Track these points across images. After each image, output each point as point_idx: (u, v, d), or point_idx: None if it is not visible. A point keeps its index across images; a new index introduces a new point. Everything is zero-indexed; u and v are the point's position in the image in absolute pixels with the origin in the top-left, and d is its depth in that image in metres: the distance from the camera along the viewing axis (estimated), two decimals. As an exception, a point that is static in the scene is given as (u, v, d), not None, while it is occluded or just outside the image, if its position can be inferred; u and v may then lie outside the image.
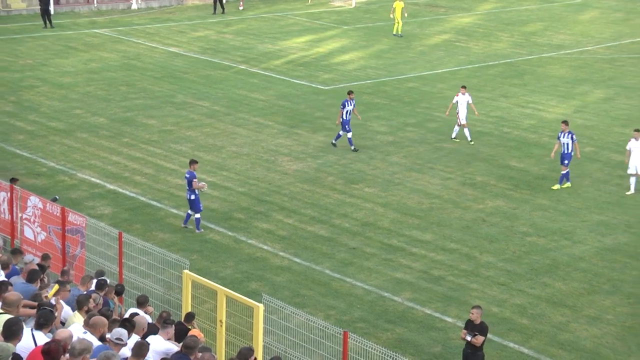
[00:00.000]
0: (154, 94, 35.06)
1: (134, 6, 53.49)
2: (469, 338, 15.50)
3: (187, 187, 22.37)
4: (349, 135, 28.80)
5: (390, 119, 32.39)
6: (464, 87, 30.13)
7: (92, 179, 26.01)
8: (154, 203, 24.36)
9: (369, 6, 56.54)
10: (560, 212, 24.35)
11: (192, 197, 22.26)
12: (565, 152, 25.83)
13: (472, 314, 15.60)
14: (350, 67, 40.15)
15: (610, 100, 35.60)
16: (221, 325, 15.46)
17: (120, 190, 25.25)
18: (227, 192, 25.20)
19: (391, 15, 47.69)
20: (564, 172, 25.89)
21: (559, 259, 21.53)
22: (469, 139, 29.63)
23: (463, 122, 29.58)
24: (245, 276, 20.32)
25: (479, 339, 15.46)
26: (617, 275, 20.83)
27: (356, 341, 14.08)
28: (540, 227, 23.30)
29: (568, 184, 25.94)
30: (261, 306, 14.79)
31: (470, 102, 29.68)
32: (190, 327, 15.07)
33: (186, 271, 16.15)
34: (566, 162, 25.82)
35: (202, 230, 22.45)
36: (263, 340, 14.98)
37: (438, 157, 28.38)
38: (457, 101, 29.61)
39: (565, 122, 26.37)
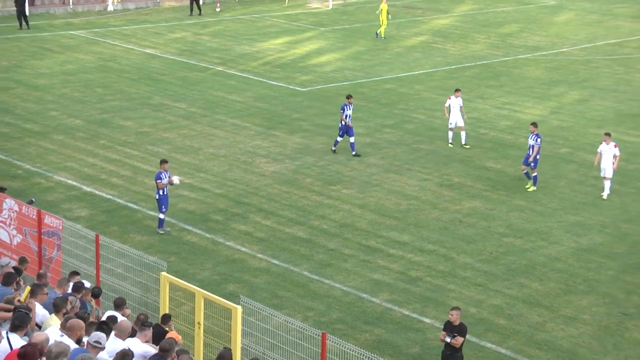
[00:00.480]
0: (130, 95, 34.93)
1: (110, 7, 53.25)
2: (448, 339, 15.54)
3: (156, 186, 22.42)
4: (352, 139, 28.46)
5: (368, 121, 32.44)
6: (458, 90, 29.72)
7: (69, 181, 25.86)
8: (131, 205, 24.27)
9: (346, 8, 56.62)
10: (537, 212, 24.51)
11: (157, 196, 22.26)
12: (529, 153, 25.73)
13: (452, 315, 15.64)
14: (328, 69, 40.19)
15: (585, 102, 35.87)
16: (199, 328, 15.42)
17: (97, 192, 25.12)
18: (204, 194, 25.14)
19: (377, 12, 47.66)
20: (535, 174, 25.88)
21: (535, 260, 21.66)
22: (450, 141, 29.57)
23: (451, 125, 29.35)
24: (223, 278, 20.29)
25: (458, 340, 15.51)
26: (592, 275, 20.98)
27: (334, 342, 14.09)
28: (516, 228, 23.43)
29: (533, 188, 25.84)
30: (239, 308, 14.77)
31: (461, 104, 29.33)
32: (167, 329, 15.01)
33: (164, 273, 16.09)
34: (532, 164, 25.74)
35: (163, 231, 22.35)
36: (241, 342, 14.95)
37: (415, 159, 28.46)
38: (449, 104, 29.32)
39: (534, 124, 26.22)
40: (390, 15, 47.50)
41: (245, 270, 20.74)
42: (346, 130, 28.38)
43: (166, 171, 22.39)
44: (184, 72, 38.81)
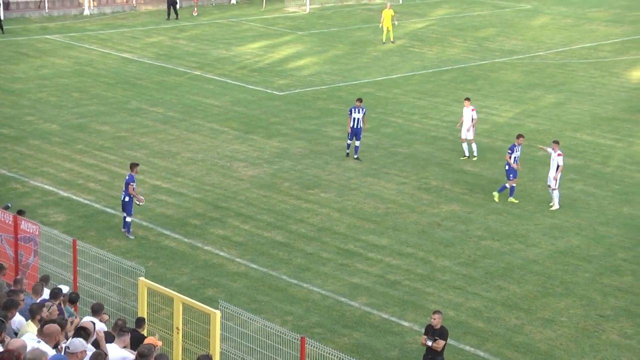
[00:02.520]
0: (107, 100, 34.76)
1: (86, 12, 53.00)
2: (429, 343, 15.57)
3: (124, 189, 22.22)
4: (357, 143, 28.32)
5: (345, 124, 32.42)
6: (467, 99, 29.10)
7: (45, 186, 25.69)
8: (109, 210, 24.14)
9: (323, 12, 56.69)
10: (514, 215, 24.62)
11: (126, 199, 22.13)
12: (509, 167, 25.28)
13: (434, 319, 15.66)
14: (305, 73, 40.21)
15: (561, 105, 36.11)
16: (178, 333, 15.35)
17: (74, 197, 24.97)
18: (182, 199, 25.06)
19: (380, 25, 47.36)
20: (513, 185, 25.53)
21: (513, 263, 21.76)
22: (467, 154, 28.87)
23: (464, 136, 28.74)
24: (201, 283, 20.22)
25: (440, 343, 15.54)
26: (569, 277, 21.11)
27: (313, 347, 14.08)
28: (494, 231, 23.53)
29: (512, 199, 25.51)
30: (218, 313, 14.72)
31: (474, 117, 28.57)
32: (144, 334, 14.94)
33: (142, 278, 16.01)
34: (511, 176, 25.37)
35: (133, 237, 22.22)
36: (220, 347, 14.91)
37: (393, 162, 28.52)
38: (464, 114, 28.70)
39: (520, 136, 25.73)
40: (396, 22, 47.04)
41: (223, 274, 20.68)
42: (355, 133, 28.22)
43: (136, 173, 22.36)
44: (161, 76, 38.69)
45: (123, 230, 22.41)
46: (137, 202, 22.31)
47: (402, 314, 19.12)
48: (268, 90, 36.95)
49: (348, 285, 20.32)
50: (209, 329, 14.86)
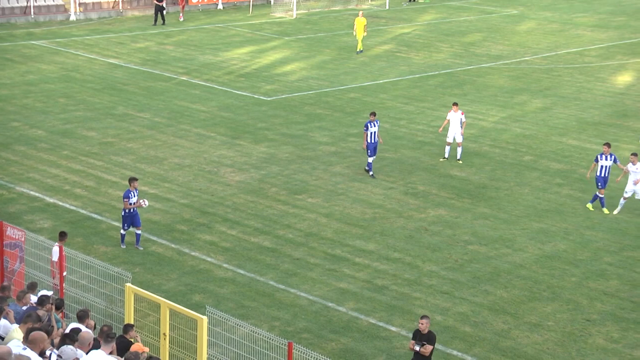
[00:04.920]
0: (93, 105, 34.67)
1: (72, 17, 52.85)
2: (417, 348, 15.60)
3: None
4: (370, 159, 27.39)
5: (333, 130, 32.50)
6: (455, 104, 29.18)
7: (31, 192, 25.59)
8: (95, 216, 24.06)
9: (310, 17, 56.74)
10: (501, 220, 24.68)
11: (123, 212, 21.91)
12: (604, 175, 25.27)
13: (421, 324, 15.69)
14: (292, 78, 40.22)
15: (547, 110, 36.24)
16: (165, 339, 15.32)
17: (60, 203, 24.88)
18: (169, 204, 25.00)
19: (353, 33, 46.74)
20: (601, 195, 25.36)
21: (500, 267, 21.81)
22: (446, 155, 28.95)
23: (450, 139, 28.83)
24: (188, 288, 20.17)
25: (428, 348, 15.57)
26: (556, 282, 21.17)
27: (301, 352, 14.07)
28: (481, 236, 23.58)
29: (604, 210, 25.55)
30: (205, 318, 14.70)
31: (463, 120, 28.81)
32: (132, 340, 14.89)
33: (128, 284, 15.97)
34: (599, 184, 25.31)
35: (124, 246, 22.05)
36: (207, 353, 14.88)
37: (380, 167, 28.54)
38: (449, 118, 28.86)
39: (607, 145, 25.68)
40: (365, 33, 46.13)
41: (210, 280, 20.64)
42: (373, 149, 27.40)
43: (135, 189, 21.94)
44: (147, 82, 38.62)
45: (136, 246, 22.09)
46: (143, 205, 22.12)
47: (390, 319, 19.13)
48: (255, 96, 36.94)
49: (335, 291, 20.32)
50: (196, 335, 14.84)
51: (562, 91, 39.40)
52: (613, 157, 25.48)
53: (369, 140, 27.36)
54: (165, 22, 52.15)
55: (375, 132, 27.46)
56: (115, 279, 16.88)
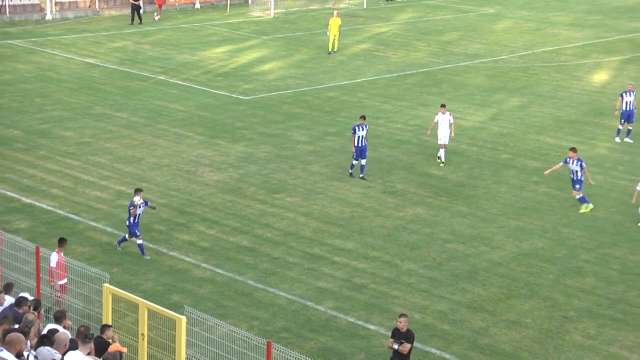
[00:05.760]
0: (70, 105, 34.48)
1: (49, 16, 52.53)
2: (395, 346, 15.64)
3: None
4: (363, 162, 27.20)
5: (311, 129, 32.52)
6: (443, 105, 29.07)
7: (7, 193, 25.42)
8: (72, 216, 23.94)
9: (288, 16, 56.72)
10: (479, 218, 24.80)
11: (127, 222, 21.61)
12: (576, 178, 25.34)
13: (400, 322, 15.74)
14: (270, 77, 40.19)
15: (524, 108, 36.43)
16: (143, 339, 15.27)
17: (37, 204, 24.73)
18: (147, 204, 24.90)
19: (327, 33, 46.45)
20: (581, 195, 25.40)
21: (478, 265, 21.91)
22: (442, 160, 28.81)
23: (442, 142, 28.65)
24: (167, 288, 20.12)
25: (406, 346, 15.62)
26: (534, 279, 21.29)
27: (280, 351, 14.08)
28: (459, 234, 23.68)
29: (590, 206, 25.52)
30: (183, 318, 14.67)
31: (452, 121, 28.65)
32: (109, 340, 14.83)
33: (106, 285, 15.91)
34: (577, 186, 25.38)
35: (149, 256, 21.58)
36: (186, 353, 14.85)
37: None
38: (437, 120, 28.72)
39: (573, 150, 25.64)
40: (338, 33, 45.86)
41: (189, 280, 20.60)
42: (360, 152, 27.20)
43: (142, 200, 21.44)
44: (125, 81, 38.45)
45: (144, 256, 21.75)
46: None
47: (368, 317, 19.17)
48: (233, 95, 36.88)
49: (314, 290, 20.34)
50: (175, 335, 14.80)
51: (539, 89, 39.63)
52: (580, 161, 25.37)
53: (357, 145, 27.10)
54: (142, 21, 51.95)
55: (363, 136, 27.12)
56: (93, 279, 16.80)
